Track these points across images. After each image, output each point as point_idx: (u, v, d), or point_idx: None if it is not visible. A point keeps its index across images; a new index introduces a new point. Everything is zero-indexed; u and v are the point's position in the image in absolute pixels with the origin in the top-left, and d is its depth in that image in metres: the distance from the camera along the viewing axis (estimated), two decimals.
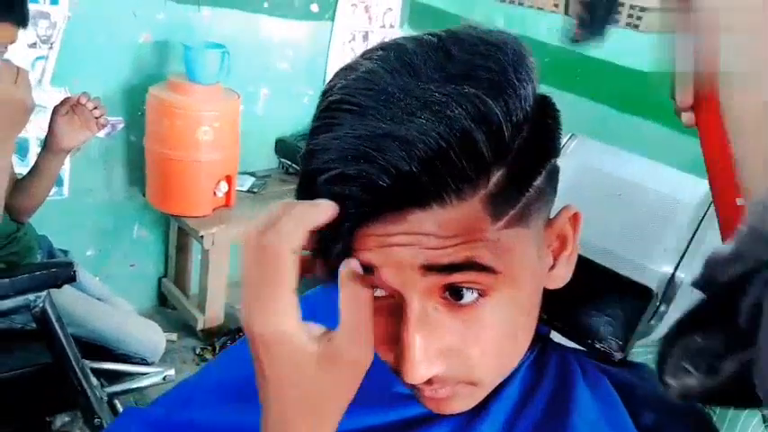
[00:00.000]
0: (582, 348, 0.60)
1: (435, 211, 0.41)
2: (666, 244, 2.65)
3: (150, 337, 1.64)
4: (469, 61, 0.43)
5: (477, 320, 0.45)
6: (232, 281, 2.79)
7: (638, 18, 2.41)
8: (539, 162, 0.45)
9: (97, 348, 1.53)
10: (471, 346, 0.45)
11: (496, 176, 0.42)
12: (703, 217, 2.62)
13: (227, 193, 2.50)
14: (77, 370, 1.28)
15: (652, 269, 2.60)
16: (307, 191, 0.44)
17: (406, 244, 0.42)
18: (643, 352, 0.69)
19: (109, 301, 1.40)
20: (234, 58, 2.35)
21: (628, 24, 2.44)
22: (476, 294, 0.44)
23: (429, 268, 0.42)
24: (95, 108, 1.48)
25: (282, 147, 2.98)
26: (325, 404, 0.43)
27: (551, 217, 0.50)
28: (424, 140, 0.39)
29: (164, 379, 1.52)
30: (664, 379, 0.31)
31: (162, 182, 2.38)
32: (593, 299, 0.60)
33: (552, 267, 0.51)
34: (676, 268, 2.61)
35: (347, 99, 0.43)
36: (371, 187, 0.40)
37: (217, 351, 2.54)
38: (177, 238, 2.70)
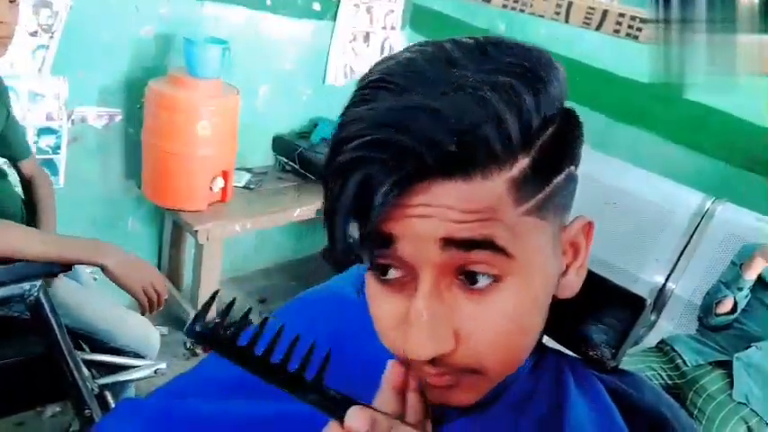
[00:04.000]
0: (575, 355, 0.61)
1: (460, 186, 0.42)
2: (659, 254, 2.69)
3: (145, 332, 1.63)
4: (504, 58, 0.45)
5: (489, 306, 0.45)
6: (225, 276, 2.79)
7: (638, 29, 2.43)
8: (561, 160, 0.47)
9: (89, 340, 1.53)
10: (481, 332, 0.45)
11: (521, 163, 0.44)
12: (696, 228, 2.64)
13: (224, 189, 2.50)
14: (70, 361, 1.28)
15: (644, 279, 2.64)
16: (334, 162, 0.44)
17: (428, 215, 0.42)
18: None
19: (103, 294, 1.39)
20: (235, 54, 2.35)
21: (628, 35, 2.46)
22: (489, 280, 0.44)
23: (447, 242, 0.43)
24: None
25: (280, 144, 2.98)
26: None
27: (566, 224, 0.51)
28: (457, 115, 0.41)
29: (155, 372, 1.51)
30: None
31: (158, 175, 2.38)
32: (587, 307, 0.60)
33: (563, 275, 0.52)
34: (667, 279, 2.64)
35: (385, 78, 0.45)
36: (403, 154, 0.41)
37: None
38: (171, 233, 2.69)
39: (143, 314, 1.39)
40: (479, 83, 0.42)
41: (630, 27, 2.44)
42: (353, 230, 0.44)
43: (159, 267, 2.80)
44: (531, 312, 0.48)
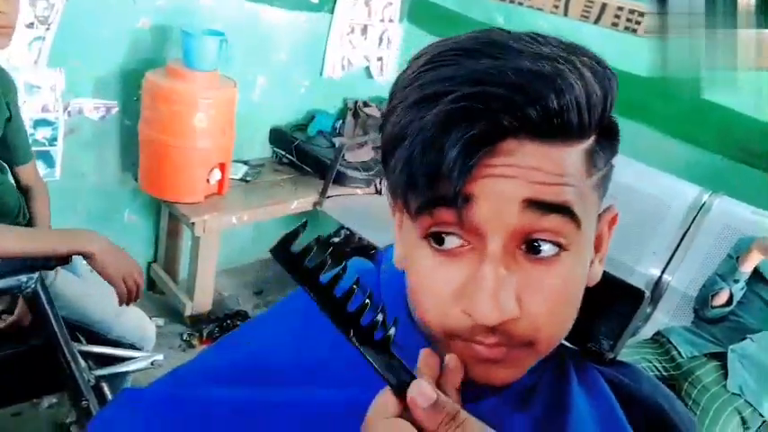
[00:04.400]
0: (573, 347, 0.61)
1: (545, 149, 0.43)
2: (655, 247, 2.69)
3: (141, 324, 1.63)
4: (567, 46, 0.47)
5: (552, 275, 0.45)
6: (221, 268, 2.79)
7: (637, 23, 2.42)
8: (616, 143, 0.50)
9: (86, 332, 1.53)
10: (542, 301, 0.45)
11: (593, 138, 0.46)
12: (693, 221, 2.64)
13: (221, 181, 2.50)
14: (67, 352, 1.27)
15: (640, 271, 2.64)
16: (419, 119, 0.44)
17: (512, 176, 0.43)
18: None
19: (101, 285, 1.39)
20: (232, 45, 2.34)
21: (626, 29, 2.46)
22: (554, 250, 0.45)
23: (530, 203, 0.43)
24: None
25: (277, 136, 2.98)
26: None
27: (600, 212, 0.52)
28: (560, 80, 0.42)
29: (152, 364, 1.52)
30: None
31: (155, 167, 2.37)
32: (586, 299, 0.61)
33: (590, 263, 0.52)
34: (664, 271, 2.64)
35: (464, 47, 0.46)
36: (509, 107, 0.42)
37: (204, 338, 2.55)
38: (168, 224, 2.69)
39: (120, 305, 1.39)
40: (571, 57, 0.44)
41: (629, 20, 2.43)
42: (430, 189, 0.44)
43: (155, 259, 2.80)
44: (581, 287, 0.49)
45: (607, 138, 0.48)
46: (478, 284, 0.44)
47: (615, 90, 0.47)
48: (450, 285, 0.46)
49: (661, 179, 2.38)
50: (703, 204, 2.29)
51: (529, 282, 0.45)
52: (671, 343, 2.07)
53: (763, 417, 1.88)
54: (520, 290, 0.45)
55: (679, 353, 2.04)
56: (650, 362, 2.05)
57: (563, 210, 0.43)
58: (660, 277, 2.33)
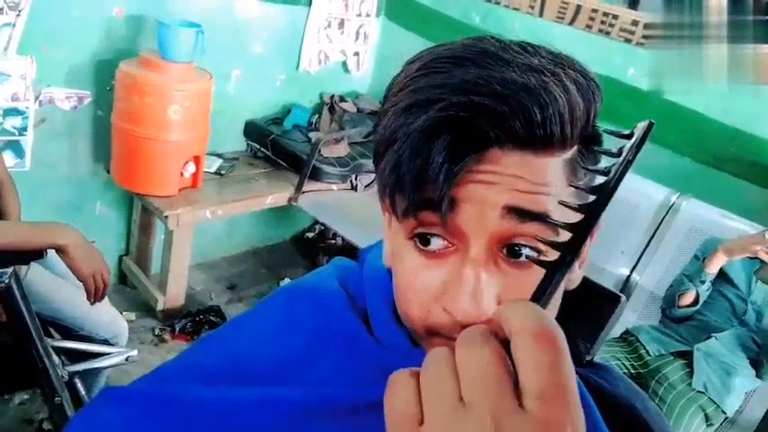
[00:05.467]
0: None
1: (528, 158, 0.45)
2: (624, 247, 2.74)
3: (113, 319, 1.62)
4: (556, 57, 0.48)
5: (530, 279, 0.47)
6: (194, 262, 2.77)
7: (611, 26, 2.46)
8: (597, 155, 0.51)
9: (59, 327, 1.51)
10: None
11: (575, 148, 0.48)
12: (661, 223, 2.70)
13: (195, 174, 2.48)
14: (40, 348, 1.26)
15: (609, 270, 2.69)
16: (409, 124, 0.45)
17: (495, 183, 0.45)
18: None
19: (73, 281, 1.37)
20: (207, 37, 2.32)
21: (600, 31, 2.50)
22: (534, 254, 0.47)
23: (510, 210, 0.45)
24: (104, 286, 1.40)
25: (252, 130, 2.96)
26: None
27: None
28: (545, 92, 0.44)
29: (126, 360, 1.50)
30: None
31: (128, 159, 2.34)
32: (565, 302, 0.62)
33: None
34: (632, 271, 2.70)
35: (457, 55, 0.47)
36: (494, 118, 0.43)
37: (176, 333, 2.53)
38: (140, 217, 2.66)
39: (88, 300, 1.39)
40: (557, 70, 0.46)
41: (603, 23, 2.47)
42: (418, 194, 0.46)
43: (127, 253, 2.77)
44: (560, 291, 0.50)
45: (590, 147, 0.50)
46: (460, 284, 0.46)
47: (599, 102, 0.49)
48: (433, 284, 0.49)
49: (630, 180, 2.42)
50: (672, 206, 2.34)
51: (509, 284, 0.47)
52: (639, 341, 2.12)
53: (725, 413, 1.94)
54: (500, 291, 0.47)
55: (647, 351, 2.09)
56: (619, 360, 2.10)
57: (540, 218, 0.45)
58: (629, 277, 2.38)
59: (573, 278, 0.56)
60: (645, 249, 2.37)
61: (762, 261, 2.01)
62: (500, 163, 0.45)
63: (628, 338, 2.17)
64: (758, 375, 1.99)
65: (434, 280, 0.48)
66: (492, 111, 0.43)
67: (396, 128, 0.47)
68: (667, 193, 2.37)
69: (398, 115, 0.47)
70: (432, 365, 0.33)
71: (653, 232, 2.36)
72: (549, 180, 0.46)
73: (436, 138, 0.44)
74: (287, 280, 3.01)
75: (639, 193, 2.40)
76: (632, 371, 2.08)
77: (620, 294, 0.65)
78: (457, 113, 0.44)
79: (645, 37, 2.26)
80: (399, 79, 0.50)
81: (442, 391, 0.31)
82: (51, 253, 1.29)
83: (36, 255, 1.25)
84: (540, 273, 0.47)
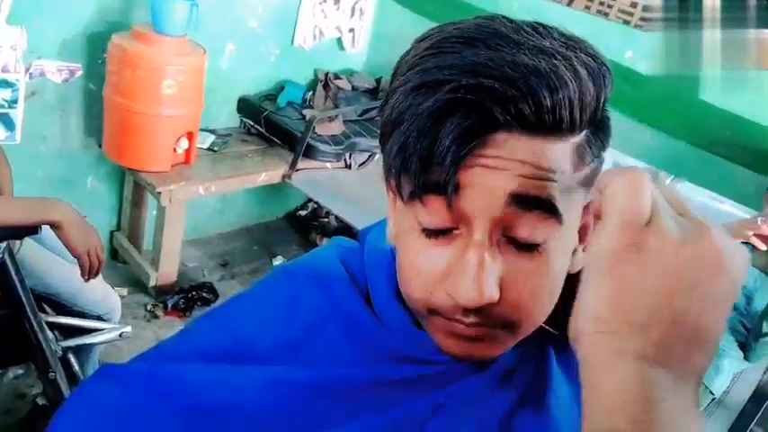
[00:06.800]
0: (553, 331, 0.63)
1: (536, 143, 0.45)
2: None
3: (108, 296, 1.61)
4: (567, 39, 0.48)
5: (533, 263, 0.47)
6: (186, 239, 2.76)
7: (609, 7, 2.45)
8: (607, 139, 0.51)
9: (53, 303, 1.50)
10: (522, 286, 0.47)
11: (584, 133, 0.48)
12: None
13: (188, 150, 2.45)
14: (34, 323, 1.25)
15: None
16: (418, 105, 0.45)
17: (501, 168, 0.44)
18: None
19: (67, 257, 1.36)
20: (202, 11, 2.28)
21: (599, 12, 2.48)
22: (534, 240, 0.47)
23: (514, 196, 0.45)
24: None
25: (245, 106, 2.93)
26: None
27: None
28: (555, 76, 0.43)
29: (120, 336, 1.50)
30: None
31: (120, 134, 2.31)
32: (568, 285, 0.62)
33: (574, 252, 0.53)
34: None
35: (468, 35, 0.46)
36: (503, 101, 0.43)
37: (168, 309, 2.52)
38: (132, 193, 2.63)
39: (82, 276, 1.38)
40: (569, 53, 0.45)
41: (602, 4, 2.45)
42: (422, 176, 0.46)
43: (119, 228, 2.75)
44: (562, 275, 0.50)
45: (598, 132, 0.49)
46: (463, 268, 0.46)
47: (609, 87, 0.48)
48: (436, 266, 0.49)
49: (625, 163, 2.44)
50: None
51: (511, 268, 0.47)
52: None
53: (713, 394, 1.97)
54: (502, 276, 0.47)
55: None
56: None
57: (545, 204, 0.45)
58: None
59: (575, 263, 0.55)
60: None
61: (753, 246, 2.02)
62: (507, 147, 0.44)
63: None
64: (746, 357, 2.02)
65: (438, 262, 0.48)
66: (501, 94, 0.43)
67: (403, 108, 0.46)
68: (661, 177, 2.37)
69: (406, 95, 0.46)
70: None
71: None
72: (555, 166, 0.45)
73: (444, 120, 0.44)
74: (279, 257, 3.01)
75: None
76: None
77: None
78: (466, 96, 0.43)
79: (643, 19, 2.25)
80: (408, 57, 0.49)
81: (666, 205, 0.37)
82: (45, 228, 1.28)
83: (30, 230, 1.24)
84: (543, 257, 0.47)
